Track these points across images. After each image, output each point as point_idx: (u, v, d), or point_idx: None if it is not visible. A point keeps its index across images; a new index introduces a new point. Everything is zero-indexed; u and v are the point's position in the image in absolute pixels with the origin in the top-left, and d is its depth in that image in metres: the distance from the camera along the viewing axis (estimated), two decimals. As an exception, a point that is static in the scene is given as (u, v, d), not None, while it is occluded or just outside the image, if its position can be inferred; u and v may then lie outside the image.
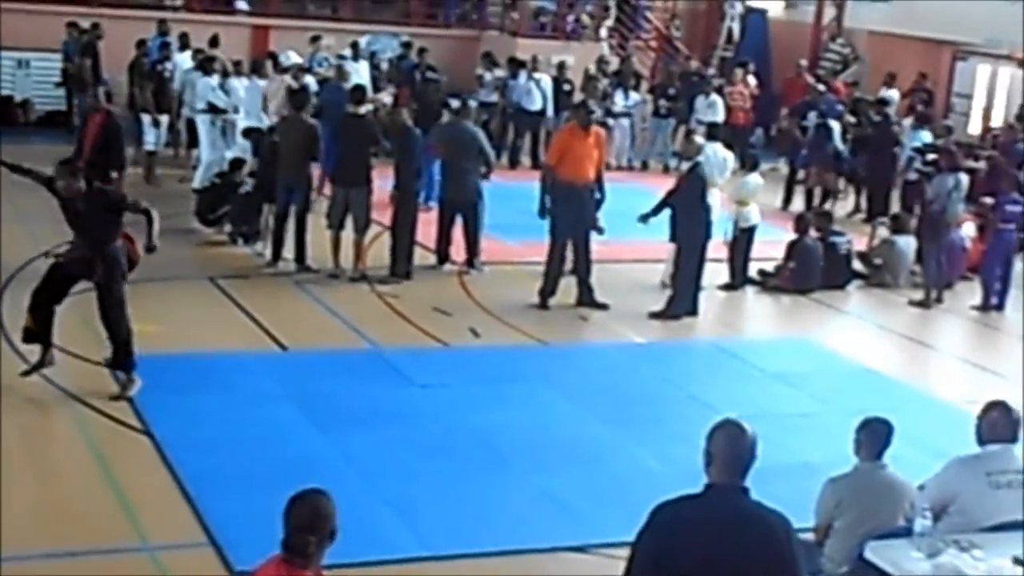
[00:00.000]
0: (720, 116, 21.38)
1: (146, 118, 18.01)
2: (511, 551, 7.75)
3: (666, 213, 13.15)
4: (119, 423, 9.15)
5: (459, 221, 14.26)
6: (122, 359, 9.81)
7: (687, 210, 12.97)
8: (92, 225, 9.66)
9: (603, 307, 13.23)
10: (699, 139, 14.09)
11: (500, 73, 22.02)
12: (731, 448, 4.57)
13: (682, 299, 13.15)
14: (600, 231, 13.28)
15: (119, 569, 7.19)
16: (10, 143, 17.35)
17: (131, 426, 9.12)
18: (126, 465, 8.53)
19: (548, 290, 13.19)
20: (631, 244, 15.27)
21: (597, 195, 13.33)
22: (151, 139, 17.95)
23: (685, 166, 13.53)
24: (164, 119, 18.32)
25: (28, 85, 21.46)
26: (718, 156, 14.46)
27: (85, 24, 20.20)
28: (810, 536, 6.47)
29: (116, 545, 7.44)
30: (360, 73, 19.31)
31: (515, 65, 21.70)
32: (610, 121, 20.90)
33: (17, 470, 8.33)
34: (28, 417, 9.33)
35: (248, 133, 16.90)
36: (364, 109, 14.46)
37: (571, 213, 13.02)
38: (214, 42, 19.23)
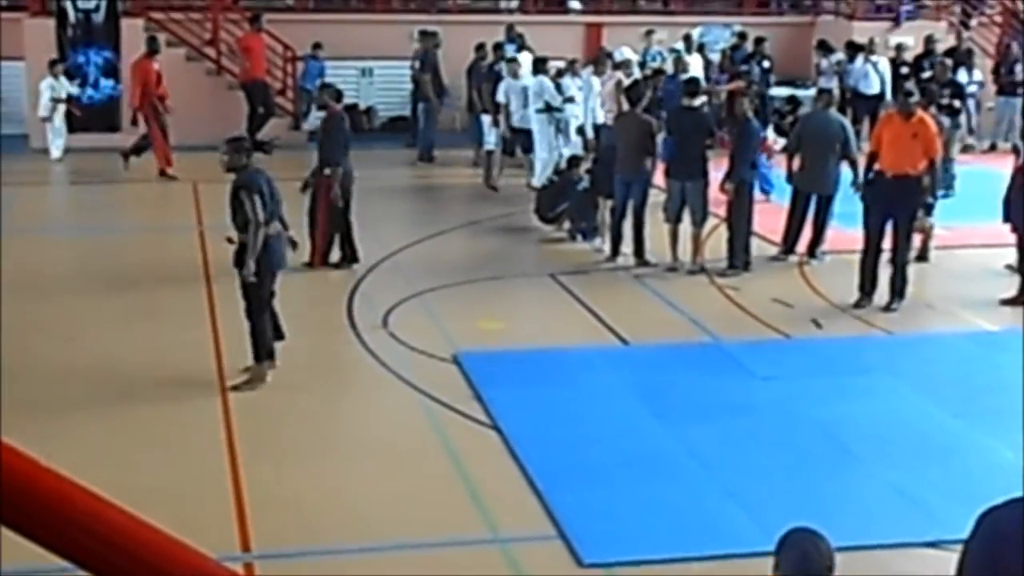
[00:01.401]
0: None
1: (485, 119, 18.48)
2: (859, 546, 7.53)
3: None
4: (468, 418, 9.43)
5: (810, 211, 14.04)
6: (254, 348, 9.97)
7: None
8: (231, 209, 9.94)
9: (890, 306, 12.42)
10: None
11: (837, 57, 21.49)
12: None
13: None
14: (921, 229, 12.45)
15: (470, 560, 7.40)
16: (355, 149, 18.23)
17: (479, 420, 9.38)
18: (475, 459, 8.78)
19: (862, 284, 12.55)
20: (976, 228, 14.76)
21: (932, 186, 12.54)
22: (491, 140, 18.42)
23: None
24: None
25: (372, 93, 22.42)
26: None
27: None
28: None
29: (467, 537, 7.67)
30: (692, 65, 19.26)
31: (853, 49, 21.16)
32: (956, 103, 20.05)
33: (371, 464, 8.72)
34: (379, 412, 9.76)
35: (583, 130, 17.16)
36: (698, 101, 14.41)
37: (879, 205, 12.35)
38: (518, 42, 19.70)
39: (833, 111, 14.28)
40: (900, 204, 12.24)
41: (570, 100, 17.49)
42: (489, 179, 18.03)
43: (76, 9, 20.40)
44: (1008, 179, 12.84)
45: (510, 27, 20.76)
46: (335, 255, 13.37)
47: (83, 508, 1.67)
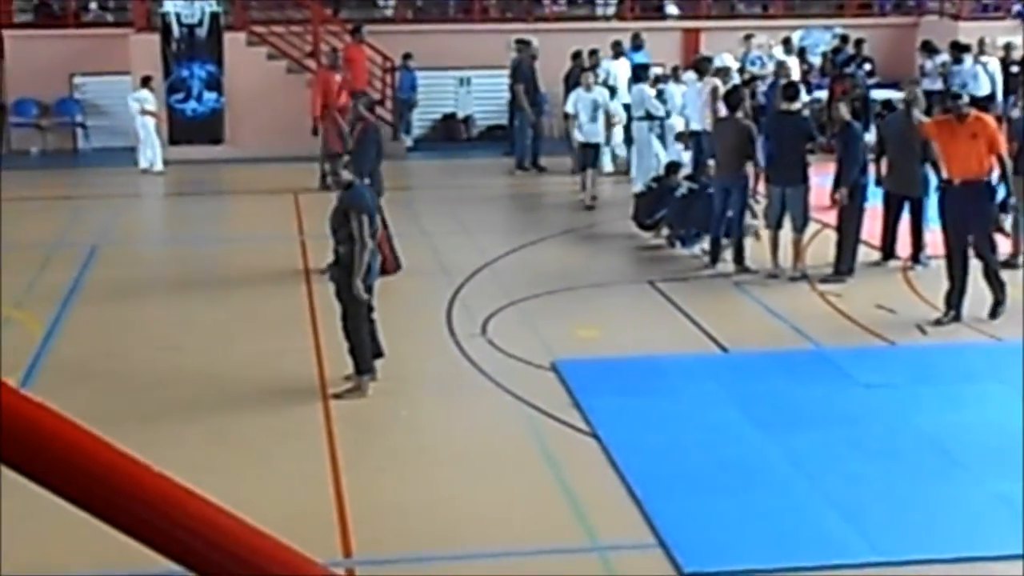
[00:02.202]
0: None
1: None
2: (966, 557, 7.42)
3: None
4: (567, 425, 9.41)
5: (904, 215, 13.82)
6: (354, 362, 10.01)
7: None
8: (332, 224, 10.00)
9: (994, 314, 12.01)
10: None
11: (942, 59, 21.16)
12: None
13: None
14: (1000, 229, 11.96)
15: (569, 568, 7.41)
16: (453, 157, 18.39)
17: (578, 428, 9.36)
18: (574, 466, 8.76)
19: (949, 295, 12.06)
20: None
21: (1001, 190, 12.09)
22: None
23: None
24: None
25: (469, 102, 22.54)
26: None
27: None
28: None
29: (566, 545, 7.66)
30: (791, 69, 19.11)
31: (958, 50, 20.80)
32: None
33: (470, 471, 8.75)
34: (478, 420, 9.78)
35: (682, 136, 17.08)
36: (796, 105, 14.27)
37: (947, 214, 11.95)
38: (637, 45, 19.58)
39: (917, 112, 14.00)
40: (975, 211, 11.79)
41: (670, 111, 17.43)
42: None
43: (180, 24, 20.82)
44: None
45: (636, 35, 20.63)
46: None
47: (193, 512, 1.70)
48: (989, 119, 12.17)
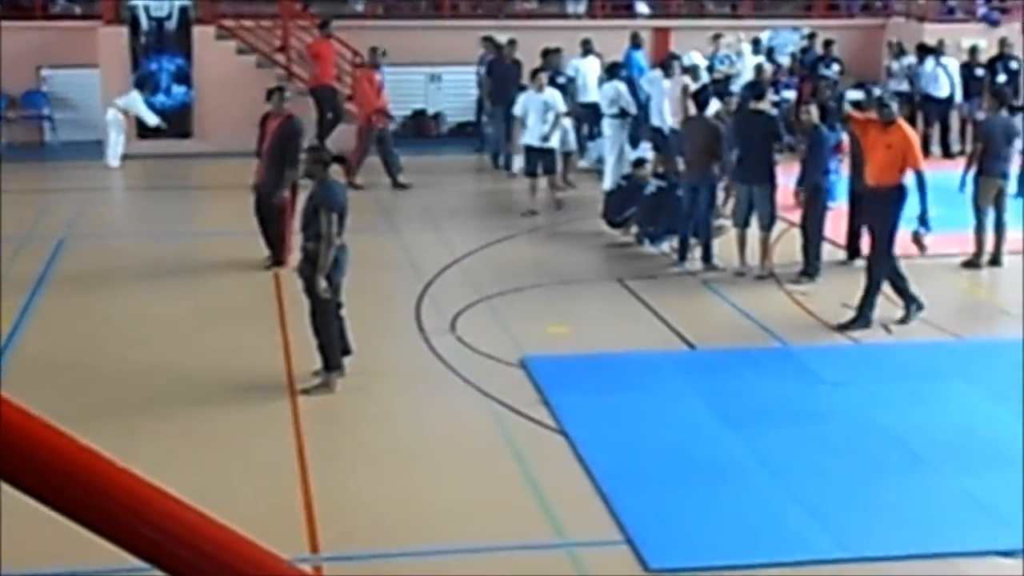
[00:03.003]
0: None
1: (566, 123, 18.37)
2: (932, 554, 7.49)
3: None
4: (535, 422, 9.44)
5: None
6: (323, 358, 10.02)
7: None
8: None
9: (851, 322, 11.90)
10: None
11: (908, 60, 21.32)
12: None
13: None
14: (918, 243, 11.87)
15: (537, 564, 7.42)
16: (424, 154, 18.38)
17: (546, 425, 9.39)
18: (542, 463, 8.77)
19: (900, 294, 12.09)
20: None
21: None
22: (571, 141, 18.33)
23: None
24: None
25: (440, 98, 22.50)
26: None
27: (500, 37, 20.93)
28: None
29: (533, 541, 7.68)
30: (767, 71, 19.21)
31: (923, 51, 20.98)
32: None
33: (438, 467, 8.76)
34: (446, 416, 9.78)
35: (651, 133, 17.10)
36: (763, 104, 14.31)
37: (861, 216, 12.04)
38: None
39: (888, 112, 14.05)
40: (878, 218, 11.79)
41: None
42: (566, 178, 17.80)
43: (149, 17, 20.71)
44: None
45: (635, 35, 20.52)
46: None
47: (158, 508, 1.71)
48: (910, 132, 11.98)
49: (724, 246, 13.89)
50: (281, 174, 13.39)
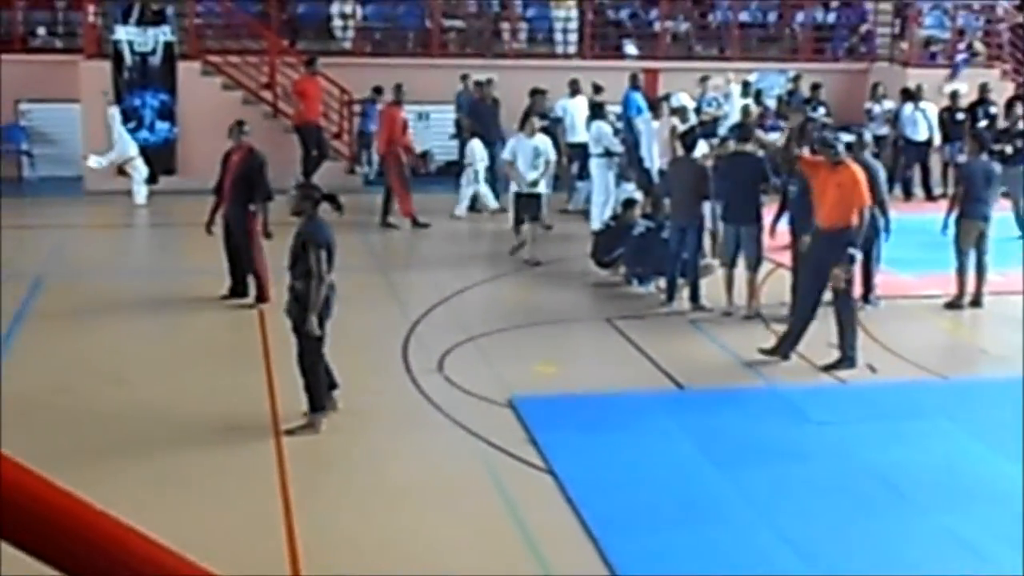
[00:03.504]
0: None
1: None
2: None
3: None
4: (523, 462, 9.40)
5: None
6: (309, 399, 9.99)
7: None
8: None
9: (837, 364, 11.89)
10: None
11: (889, 105, 21.60)
12: None
13: None
14: (834, 279, 11.64)
15: (524, 604, 7.38)
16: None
17: (534, 465, 9.35)
18: (530, 503, 8.74)
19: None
20: None
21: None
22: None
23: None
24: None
25: (428, 136, 22.54)
26: None
27: (483, 77, 20.99)
28: None
29: (521, 580, 7.64)
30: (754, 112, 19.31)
31: (905, 96, 21.26)
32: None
33: (425, 507, 8.71)
34: (434, 456, 9.73)
35: (638, 174, 17.13)
36: (750, 146, 14.34)
37: (809, 257, 12.01)
38: (597, 89, 19.59)
39: (867, 156, 14.09)
40: (833, 260, 11.62)
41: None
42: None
43: (133, 52, 20.64)
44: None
45: (634, 76, 20.54)
46: (233, 287, 13.82)
47: (136, 551, 1.68)
48: (858, 172, 11.77)
49: (711, 286, 13.90)
50: (247, 208, 13.41)
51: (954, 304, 13.98)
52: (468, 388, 10.91)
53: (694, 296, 13.86)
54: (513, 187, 16.23)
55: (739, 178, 13.62)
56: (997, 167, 14.51)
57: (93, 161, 19.63)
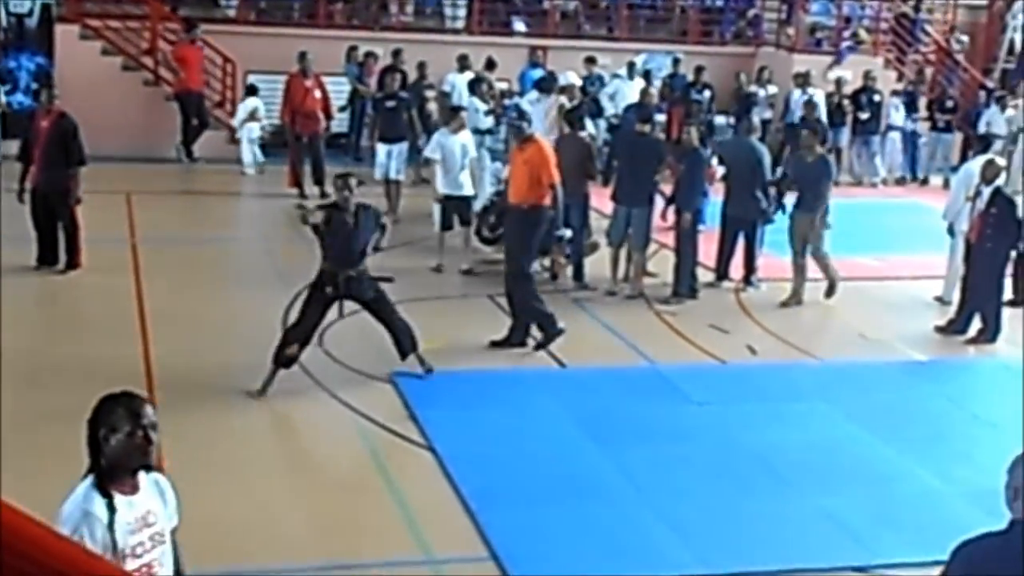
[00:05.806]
0: (1003, 129, 20.74)
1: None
2: (790, 570, 7.60)
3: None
4: (401, 437, 9.36)
5: (740, 238, 14.08)
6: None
7: (999, 234, 12.40)
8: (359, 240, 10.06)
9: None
10: (1001, 161, 13.65)
11: (773, 90, 21.88)
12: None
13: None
14: (554, 259, 11.79)
15: (402, 580, 7.33)
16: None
17: (413, 440, 9.31)
18: (408, 479, 8.71)
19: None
20: (909, 260, 15.24)
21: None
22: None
23: (985, 189, 12.81)
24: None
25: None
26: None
27: (372, 48, 20.77)
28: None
29: (399, 558, 7.59)
30: (632, 92, 19.37)
31: (796, 81, 21.62)
32: (892, 135, 20.54)
33: (303, 483, 8.62)
34: (312, 431, 9.64)
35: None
36: (648, 127, 14.30)
37: (504, 237, 11.96)
38: (490, 65, 19.47)
39: (752, 139, 14.28)
40: (514, 236, 11.65)
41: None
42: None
43: (8, 13, 20.03)
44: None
45: (533, 49, 20.33)
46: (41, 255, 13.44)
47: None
48: (545, 148, 11.69)
49: (596, 265, 13.93)
50: (63, 172, 13.09)
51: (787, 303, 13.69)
52: (349, 363, 10.80)
53: (578, 274, 13.88)
54: (441, 188, 14.55)
55: (637, 159, 13.62)
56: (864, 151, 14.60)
57: None
